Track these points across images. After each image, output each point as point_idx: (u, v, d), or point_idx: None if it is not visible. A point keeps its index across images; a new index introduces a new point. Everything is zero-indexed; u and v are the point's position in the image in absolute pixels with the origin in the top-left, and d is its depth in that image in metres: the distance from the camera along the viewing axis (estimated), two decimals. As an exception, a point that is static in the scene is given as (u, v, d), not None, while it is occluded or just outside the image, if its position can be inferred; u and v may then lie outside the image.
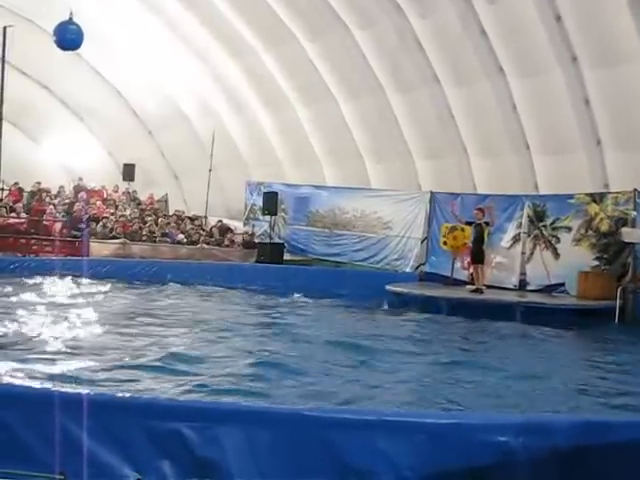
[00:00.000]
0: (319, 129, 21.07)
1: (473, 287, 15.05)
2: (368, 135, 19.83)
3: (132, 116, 24.98)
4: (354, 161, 20.38)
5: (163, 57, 23.04)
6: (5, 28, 17.98)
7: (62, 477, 3.42)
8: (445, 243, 16.57)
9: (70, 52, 18.40)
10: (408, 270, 17.59)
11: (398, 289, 15.10)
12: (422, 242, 17.60)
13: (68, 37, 16.35)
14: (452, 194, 17.13)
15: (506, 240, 15.94)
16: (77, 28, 16.49)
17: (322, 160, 21.48)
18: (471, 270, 15.79)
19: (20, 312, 9.84)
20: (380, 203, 18.71)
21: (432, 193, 17.58)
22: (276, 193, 20.89)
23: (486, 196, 16.52)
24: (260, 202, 21.26)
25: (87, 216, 20.39)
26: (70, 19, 16.43)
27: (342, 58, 18.85)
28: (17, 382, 4.30)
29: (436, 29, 16.49)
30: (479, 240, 15.24)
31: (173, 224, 21.30)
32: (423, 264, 17.54)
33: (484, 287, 14.95)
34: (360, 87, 19.01)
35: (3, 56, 18.14)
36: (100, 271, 15.96)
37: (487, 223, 15.33)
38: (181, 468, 3.54)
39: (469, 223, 15.71)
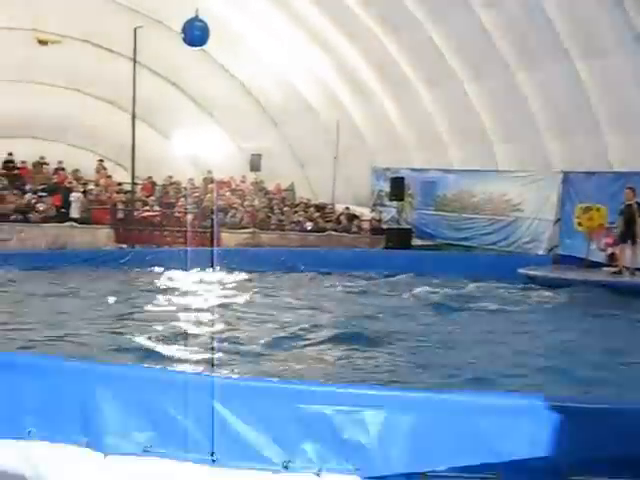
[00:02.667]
0: (444, 111, 20.76)
1: (616, 269, 14.46)
2: (495, 115, 19.38)
3: (258, 108, 25.42)
4: (481, 142, 19.97)
5: (287, 49, 23.32)
6: (135, 29, 18.58)
7: (214, 458, 3.51)
8: (580, 224, 15.99)
9: (197, 49, 18.90)
10: (541, 253, 17.12)
11: (532, 272, 14.72)
12: (555, 224, 17.09)
13: (195, 34, 16.81)
14: (586, 173, 16.51)
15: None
16: (203, 25, 16.93)
17: (448, 142, 21.17)
18: (610, 251, 15.20)
19: (162, 300, 10.15)
20: (509, 185, 18.30)
21: (564, 173, 17.00)
22: (403, 178, 20.77)
23: (623, 174, 15.81)
24: (387, 188, 21.20)
25: (216, 207, 20.91)
26: (196, 16, 16.89)
27: (466, 37, 18.47)
28: (175, 368, 4.43)
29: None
30: (630, 221, 14.52)
31: (301, 212, 21.54)
32: (556, 246, 17.03)
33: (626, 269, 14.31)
34: (485, 66, 18.58)
35: (134, 56, 18.76)
36: (233, 260, 16.25)
37: (638, 203, 14.59)
38: (327, 451, 3.56)
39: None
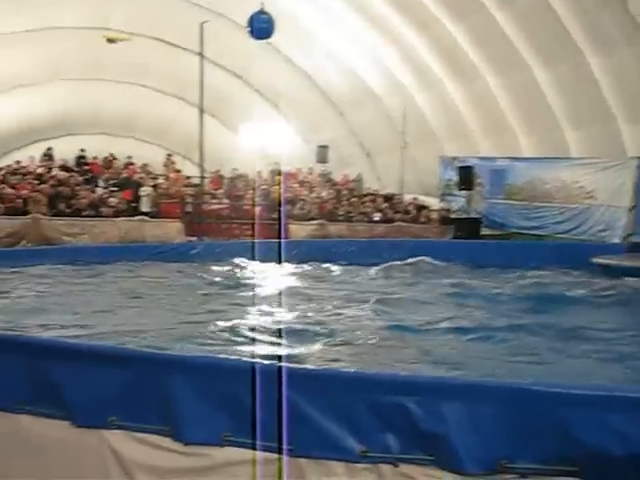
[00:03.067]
0: (512, 98, 20.43)
1: None
2: (565, 100, 18.97)
3: (323, 99, 25.45)
4: (551, 129, 19.59)
5: (352, 38, 23.24)
6: (202, 24, 18.77)
7: (291, 448, 3.52)
8: (658, 211, 15.60)
9: (262, 41, 19.00)
10: (616, 241, 16.73)
11: (606, 261, 14.36)
12: (630, 211, 16.67)
13: (261, 27, 16.90)
14: (663, 158, 16.07)
15: None
16: (269, 17, 17.01)
17: (517, 130, 20.83)
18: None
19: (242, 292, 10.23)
20: (582, 172, 17.91)
21: (640, 159, 16.58)
22: (471, 167, 20.55)
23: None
24: (455, 177, 20.99)
25: (284, 199, 21.02)
26: (261, 9, 16.97)
27: (535, 22, 18.13)
28: (249, 358, 4.46)
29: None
30: None
31: (369, 203, 21.50)
32: (632, 234, 16.60)
33: None
34: (555, 51, 18.20)
35: (201, 51, 18.96)
36: (300, 253, 16.26)
37: None
38: (405, 441, 3.54)
39: None
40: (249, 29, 17.00)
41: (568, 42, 17.59)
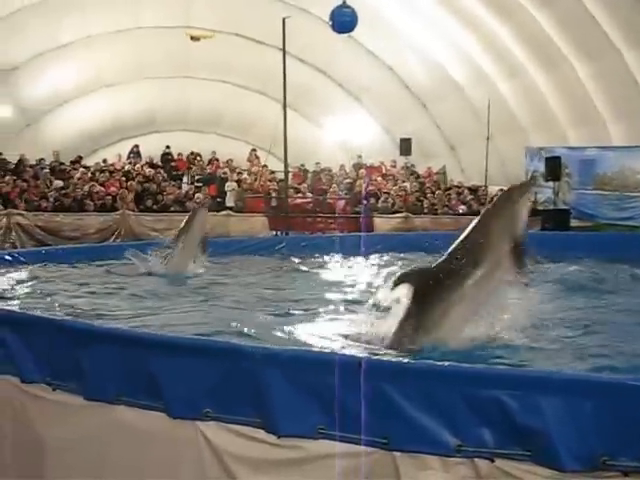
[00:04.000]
0: (601, 85, 19.88)
1: None
2: (658, 87, 18.40)
3: (406, 91, 25.30)
4: (642, 116, 19.03)
5: (433, 29, 23.04)
6: (284, 20, 18.87)
7: (386, 441, 3.51)
8: None
9: (344, 35, 18.97)
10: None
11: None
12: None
13: (344, 20, 16.88)
14: None
15: None
16: (351, 11, 16.97)
17: (606, 118, 20.26)
18: None
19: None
20: (676, 160, 17.35)
21: None
22: (559, 157, 20.12)
23: None
24: (541, 168, 20.59)
25: (368, 192, 21.00)
26: (344, 3, 16.96)
27: (623, 5, 17.61)
28: (341, 352, 4.46)
29: None
30: None
31: (453, 196, 21.28)
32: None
33: None
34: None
35: (284, 46, 19.06)
36: (386, 246, 16.17)
37: None
38: (501, 436, 3.48)
39: None
40: (331, 23, 17.00)
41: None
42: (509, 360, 5.23)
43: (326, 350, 4.47)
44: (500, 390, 3.43)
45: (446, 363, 3.66)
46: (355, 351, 4.65)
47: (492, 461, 3.49)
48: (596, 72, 19.75)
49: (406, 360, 3.98)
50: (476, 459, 3.50)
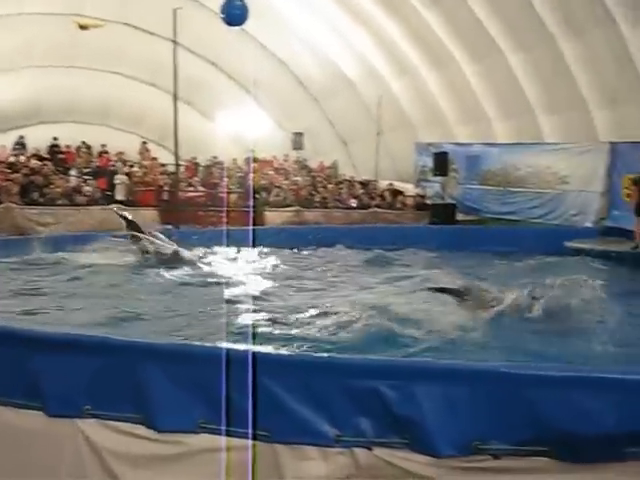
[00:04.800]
0: (487, 84, 20.48)
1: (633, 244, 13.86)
2: (539, 86, 19.05)
3: (298, 85, 25.38)
4: (525, 115, 19.67)
5: (326, 25, 23.18)
6: (175, 10, 18.60)
7: (266, 434, 3.54)
8: (628, 195, 15.70)
9: (236, 28, 18.84)
10: (588, 225, 16.87)
11: (579, 245, 14.50)
12: (602, 195, 16.81)
13: (235, 13, 16.74)
14: (634, 143, 16.16)
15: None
16: (242, 3, 16.85)
17: (492, 116, 20.91)
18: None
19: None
20: (555, 157, 18.02)
21: (612, 144, 16.69)
22: (446, 153, 20.60)
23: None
24: (430, 163, 21.06)
25: (260, 186, 20.99)
26: (235, -5, 16.83)
27: (508, 7, 18.18)
28: (223, 345, 4.45)
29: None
30: None
31: (344, 189, 21.52)
32: (604, 218, 16.75)
33: None
34: (528, 36, 18.25)
35: (175, 37, 18.79)
36: (276, 239, 16.25)
37: None
38: (379, 425, 3.56)
39: None
40: (222, 15, 16.84)
41: (541, 28, 17.65)
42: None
43: (205, 344, 4.45)
44: (377, 380, 3.52)
45: (324, 354, 3.72)
46: (235, 344, 4.65)
47: (370, 450, 3.57)
48: (482, 72, 20.33)
49: (285, 353, 4.02)
50: (355, 448, 3.58)
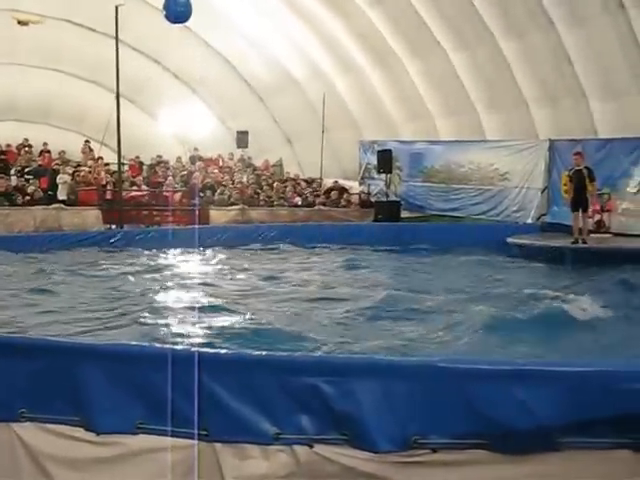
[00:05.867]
0: (430, 82, 20.71)
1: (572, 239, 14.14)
2: (481, 85, 19.33)
3: (243, 84, 25.30)
4: (467, 113, 19.94)
5: (270, 23, 23.14)
6: (117, 7, 18.38)
7: (206, 433, 3.53)
8: (566, 192, 16.01)
9: (180, 25, 18.69)
10: (529, 221, 17.17)
11: (520, 241, 14.76)
12: (542, 192, 17.13)
13: (178, 10, 16.61)
14: (572, 141, 16.51)
15: (632, 185, 15.28)
16: (186, 1, 16.73)
17: (435, 114, 21.13)
18: (597, 218, 15.20)
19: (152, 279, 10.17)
20: (496, 154, 18.32)
21: (551, 141, 17.02)
22: (390, 151, 20.75)
23: (608, 140, 15.85)
24: (374, 161, 21.20)
25: (205, 185, 20.88)
26: (179, -8, 16.68)
27: (449, 6, 18.40)
28: (162, 344, 4.44)
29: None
30: (580, 187, 14.18)
31: (289, 188, 21.52)
32: (545, 214, 17.08)
33: (587, 237, 14.11)
34: (470, 35, 18.51)
35: (117, 35, 18.58)
36: (221, 238, 16.25)
37: (588, 168, 14.24)
38: (319, 422, 3.57)
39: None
40: (165, 13, 16.70)
41: (482, 27, 17.91)
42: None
43: (143, 344, 4.42)
44: (316, 377, 3.52)
45: (262, 352, 3.71)
46: (173, 343, 4.64)
47: (311, 447, 3.58)
48: (425, 70, 20.53)
49: (223, 351, 4.00)
50: (295, 446, 3.58)
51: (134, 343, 4.42)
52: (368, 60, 21.98)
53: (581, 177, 14.19)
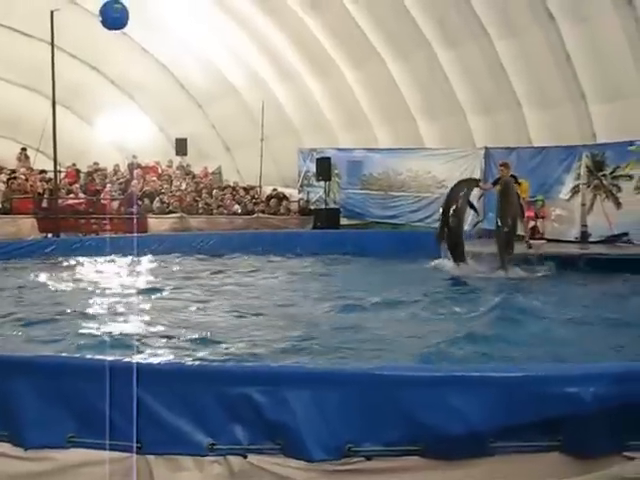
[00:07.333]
0: (368, 91, 20.90)
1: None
2: (419, 94, 19.58)
3: (181, 91, 25.14)
4: (406, 121, 20.18)
5: (208, 30, 23.06)
6: (52, 12, 18.10)
7: (139, 445, 3.49)
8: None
9: (116, 31, 18.50)
10: (466, 228, 17.40)
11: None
12: (479, 199, 17.36)
13: (113, 16, 16.45)
14: (507, 149, 16.83)
15: (565, 192, 15.65)
16: (122, 7, 16.57)
17: (373, 122, 21.31)
18: (531, 224, 15.50)
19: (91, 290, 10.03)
20: (434, 162, 18.57)
21: (487, 149, 17.32)
22: (329, 158, 20.86)
23: (542, 149, 16.21)
24: (313, 168, 21.27)
25: (143, 192, 20.66)
26: (115, -2, 16.52)
27: (386, 15, 18.60)
28: (97, 355, 4.37)
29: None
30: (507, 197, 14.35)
31: (228, 195, 21.44)
32: (481, 221, 17.31)
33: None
34: (408, 45, 18.74)
35: (52, 40, 18.29)
36: (159, 247, 16.11)
37: (514, 177, 14.28)
38: (253, 431, 3.57)
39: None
40: (101, 19, 16.51)
41: (419, 36, 18.15)
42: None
43: (74, 356, 4.36)
44: (249, 387, 3.52)
45: (195, 363, 3.70)
46: (106, 355, 4.59)
47: (245, 457, 3.57)
48: (363, 79, 20.70)
49: (155, 361, 3.97)
50: (229, 456, 3.57)
51: (64, 355, 4.36)
52: (307, 68, 22.07)
53: (509, 187, 14.36)
